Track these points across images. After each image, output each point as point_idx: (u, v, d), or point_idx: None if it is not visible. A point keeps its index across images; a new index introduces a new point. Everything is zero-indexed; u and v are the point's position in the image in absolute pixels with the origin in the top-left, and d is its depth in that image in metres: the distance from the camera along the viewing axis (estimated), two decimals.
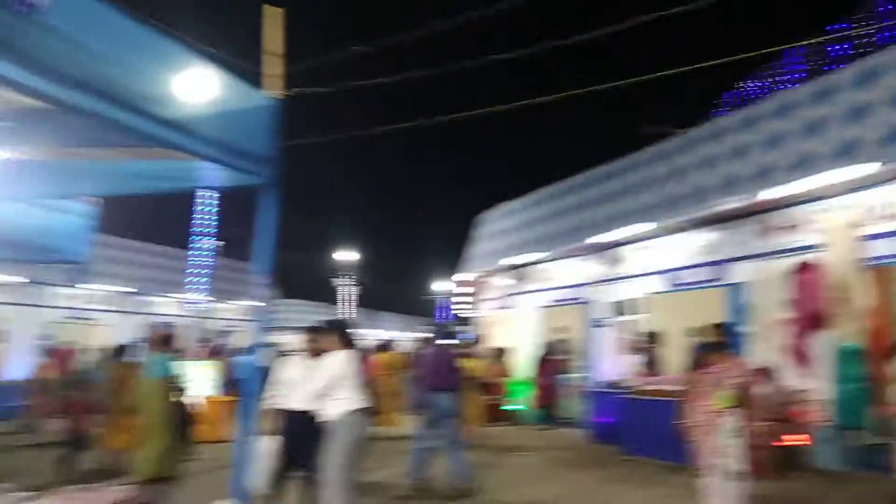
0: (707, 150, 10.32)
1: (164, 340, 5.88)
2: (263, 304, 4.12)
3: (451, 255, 18.00)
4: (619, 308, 12.24)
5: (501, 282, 16.03)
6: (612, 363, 11.74)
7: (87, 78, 2.68)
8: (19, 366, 12.15)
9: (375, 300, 44.35)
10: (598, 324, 12.58)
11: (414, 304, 45.99)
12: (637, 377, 9.91)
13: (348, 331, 5.70)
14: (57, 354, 9.52)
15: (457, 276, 17.73)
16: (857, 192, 8.31)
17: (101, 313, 18.36)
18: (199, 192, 21.68)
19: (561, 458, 9.41)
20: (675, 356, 10.70)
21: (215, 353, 15.05)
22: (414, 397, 7.62)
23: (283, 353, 6.78)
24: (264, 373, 5.12)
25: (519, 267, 15.16)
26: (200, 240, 22.22)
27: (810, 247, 8.76)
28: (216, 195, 22.78)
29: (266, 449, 5.23)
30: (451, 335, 8.33)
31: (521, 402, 13.53)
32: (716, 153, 10.12)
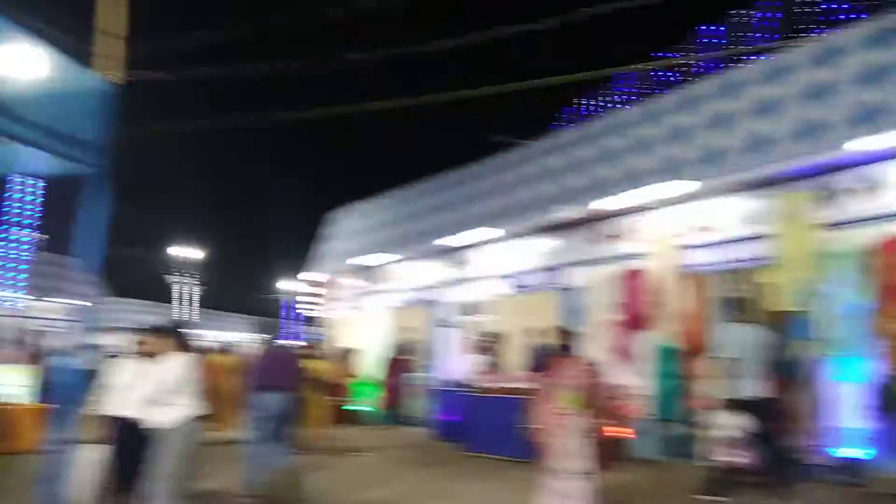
0: (547, 162, 10.94)
1: None
2: (89, 302, 3.80)
3: (299, 255, 17.59)
4: (465, 309, 12.64)
5: (351, 282, 15.95)
6: (457, 363, 12.07)
7: None
8: None
9: (219, 300, 42.25)
10: (444, 324, 12.90)
11: (260, 305, 44.40)
12: (481, 376, 10.26)
13: (184, 333, 5.41)
14: None
15: (305, 276, 17.39)
16: (678, 206, 9.17)
17: None
18: (17, 179, 19.53)
19: (404, 456, 9.52)
20: (516, 356, 11.21)
21: (34, 356, 13.62)
22: (245, 399, 7.32)
23: (113, 356, 6.28)
24: (88, 377, 4.73)
25: (369, 268, 15.17)
26: (19, 231, 20.04)
27: (636, 254, 9.56)
28: (40, 183, 20.65)
29: (88, 459, 4.83)
30: (282, 334, 8.09)
31: (367, 402, 13.52)
32: (555, 165, 10.75)
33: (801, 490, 6.92)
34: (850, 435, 7.07)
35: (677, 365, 8.65)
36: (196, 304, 39.38)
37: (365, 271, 15.33)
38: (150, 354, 5.20)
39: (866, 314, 7.06)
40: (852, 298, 7.20)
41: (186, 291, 38.99)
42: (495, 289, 12.04)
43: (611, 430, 8.30)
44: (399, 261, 14.34)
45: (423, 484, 7.74)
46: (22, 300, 19.86)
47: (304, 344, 14.94)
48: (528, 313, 11.43)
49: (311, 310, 18.17)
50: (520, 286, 11.63)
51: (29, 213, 20.55)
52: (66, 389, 3.71)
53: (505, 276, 11.90)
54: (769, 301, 7.97)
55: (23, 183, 20.28)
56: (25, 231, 20.39)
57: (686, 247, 9.00)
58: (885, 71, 6.89)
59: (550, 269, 11.04)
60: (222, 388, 10.36)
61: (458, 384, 10.73)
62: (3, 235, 19.87)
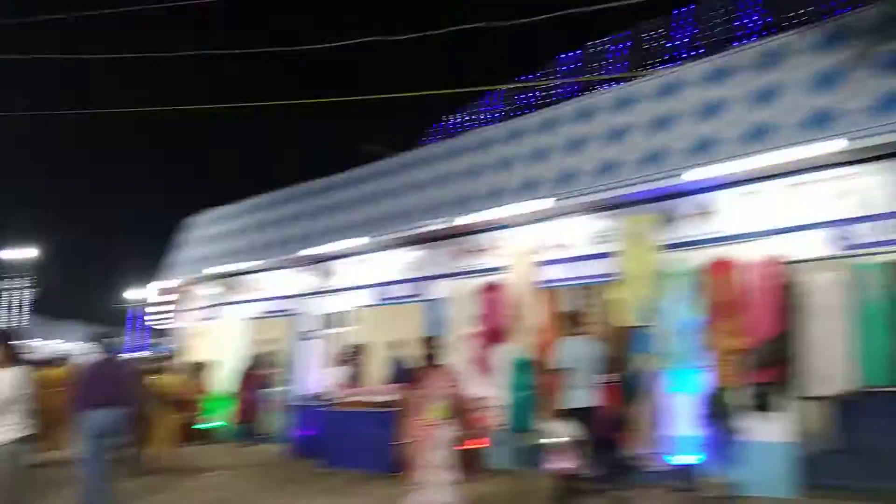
0: (415, 175, 11.01)
1: None
2: None
3: (151, 261, 16.48)
4: (328, 321, 12.39)
5: (206, 291, 15.15)
6: (317, 376, 11.78)
7: None
8: None
9: (57, 306, 38.69)
10: (305, 336, 12.57)
11: (105, 314, 41.17)
12: (341, 389, 10.08)
13: (14, 343, 4.85)
14: None
15: (155, 284, 16.30)
16: (535, 224, 9.54)
17: None
18: None
19: (257, 475, 9.14)
20: (378, 368, 11.13)
21: None
22: (73, 415, 6.67)
23: None
24: None
25: (226, 276, 14.49)
26: None
27: (496, 269, 9.83)
28: None
29: None
30: (115, 345, 7.44)
31: (220, 418, 12.86)
32: (422, 178, 10.84)
33: (639, 495, 7.38)
34: (683, 442, 7.62)
35: (531, 376, 8.95)
36: (27, 310, 35.80)
37: (223, 280, 14.63)
38: None
39: (699, 329, 7.67)
40: (687, 315, 7.80)
41: (16, 296, 35.37)
42: (359, 300, 11.91)
43: (469, 441, 8.44)
44: (260, 269, 13.82)
45: (276, 503, 7.45)
46: None
47: (151, 356, 13.97)
48: (392, 325, 11.39)
49: (162, 320, 17.05)
50: (384, 298, 11.59)
51: None
52: None
53: (369, 288, 11.80)
54: (614, 316, 8.47)
55: None
56: None
57: (541, 263, 9.37)
58: (720, 106, 7.57)
59: (415, 280, 11.10)
60: (52, 403, 9.43)
61: (318, 398, 10.48)
62: None
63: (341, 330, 12.11)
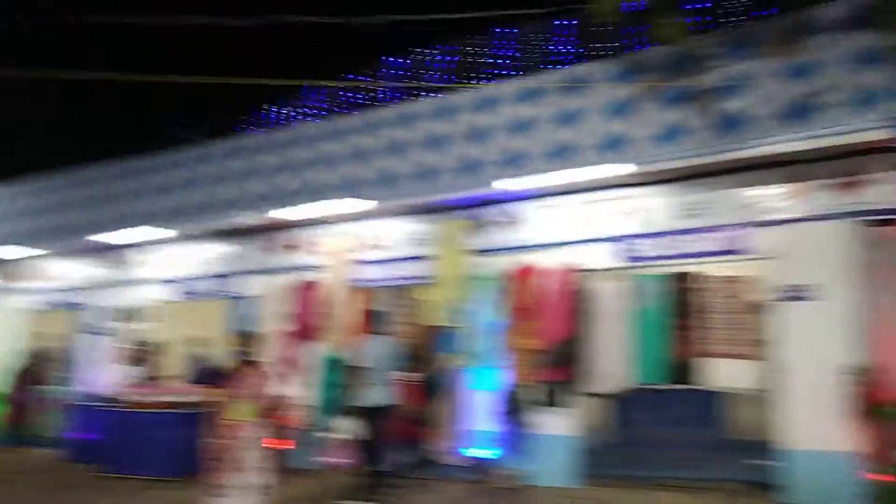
0: (228, 164, 10.51)
1: None
2: None
3: None
4: (120, 315, 11.39)
5: None
6: (105, 374, 10.77)
7: None
8: None
9: None
10: (92, 331, 11.45)
11: None
12: (131, 389, 9.30)
13: None
14: None
15: None
16: (353, 223, 9.52)
17: None
18: None
19: (29, 482, 8.14)
20: (179, 366, 10.43)
21: None
22: None
23: None
24: None
25: (3, 262, 12.78)
26: None
27: (311, 266, 9.67)
28: None
29: None
30: None
31: None
32: (237, 168, 10.38)
33: (438, 488, 7.66)
34: (481, 437, 8.03)
35: (341, 375, 8.92)
36: None
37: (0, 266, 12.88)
38: None
39: (501, 330, 8.13)
40: (491, 317, 8.23)
41: None
42: (157, 294, 11.09)
43: (274, 442, 8.19)
44: (41, 256, 12.36)
45: None
46: None
47: None
48: (194, 321, 10.76)
49: None
50: (187, 292, 10.90)
51: None
52: None
53: (170, 281, 11.04)
54: (425, 316, 8.73)
55: None
56: None
57: (358, 262, 9.39)
58: (530, 124, 8.09)
59: (222, 276, 10.57)
60: None
61: (103, 398, 9.57)
62: None
63: (136, 325, 11.19)
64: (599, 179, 7.64)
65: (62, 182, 12.37)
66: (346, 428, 7.35)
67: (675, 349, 7.72)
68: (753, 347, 7.47)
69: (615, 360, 7.76)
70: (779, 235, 6.89)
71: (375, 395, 7.12)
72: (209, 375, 10.18)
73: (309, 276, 9.63)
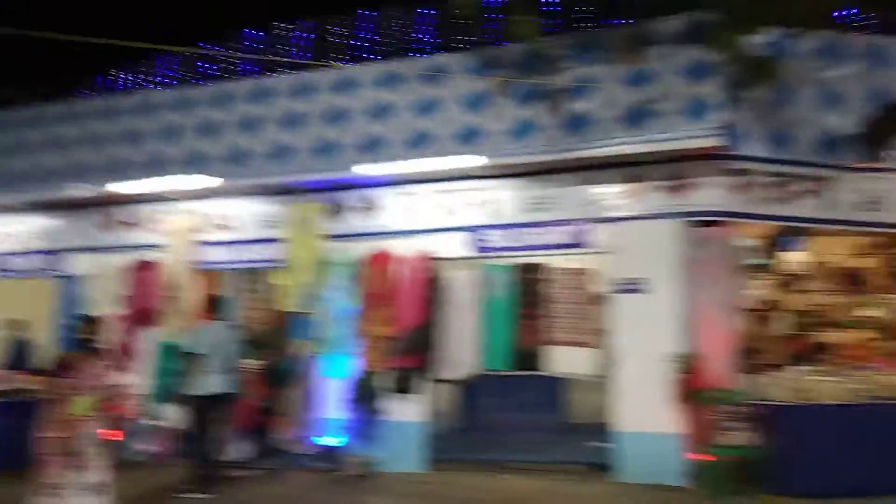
0: (60, 131, 9.57)
1: None
2: None
3: None
4: None
5: None
6: None
7: None
8: None
9: None
10: None
11: None
12: None
13: None
14: None
15: None
16: (200, 201, 8.99)
17: None
18: None
19: None
20: None
21: None
22: None
23: None
24: None
25: None
26: None
27: (150, 245, 9.04)
28: None
29: None
30: None
31: None
32: (69, 135, 9.48)
33: (285, 478, 7.49)
34: (331, 425, 7.93)
35: (177, 363, 8.44)
36: None
37: None
38: None
39: (353, 317, 8.04)
40: (344, 303, 8.12)
41: None
42: None
43: (109, 433, 7.60)
44: None
45: None
46: None
47: None
48: (13, 302, 9.74)
49: None
50: (4, 270, 9.83)
51: None
52: None
53: None
54: (276, 301, 8.44)
55: None
56: None
57: (203, 243, 8.89)
58: (389, 110, 8.02)
59: (49, 252, 9.62)
60: None
61: None
62: None
63: None
64: (454, 170, 7.72)
65: None
66: (173, 417, 6.98)
67: (522, 337, 8.00)
68: (594, 336, 7.91)
69: (464, 347, 7.92)
70: (616, 232, 7.33)
71: (212, 383, 6.83)
72: (27, 360, 9.29)
73: (148, 255, 9.00)
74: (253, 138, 8.55)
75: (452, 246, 7.94)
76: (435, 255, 7.95)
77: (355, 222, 8.39)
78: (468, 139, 7.56)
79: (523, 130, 7.38)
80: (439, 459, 7.71)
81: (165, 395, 8.11)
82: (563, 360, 8.25)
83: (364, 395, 7.60)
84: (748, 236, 7.77)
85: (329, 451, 7.87)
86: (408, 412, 7.73)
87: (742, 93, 6.66)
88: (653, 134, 6.75)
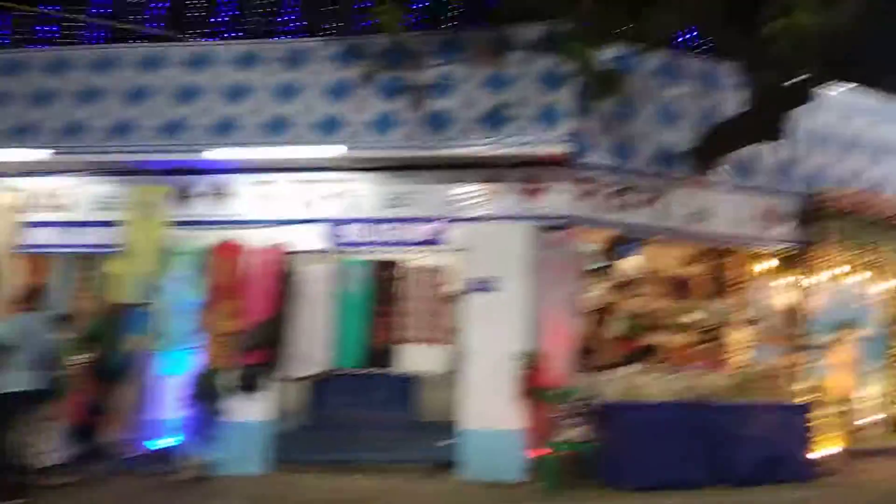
0: None
1: None
2: None
3: None
4: None
5: None
6: None
7: None
8: None
9: None
10: None
11: None
12: None
13: None
14: None
15: None
16: (25, 177, 8.12)
17: None
18: None
19: None
20: None
21: None
22: None
23: None
24: None
25: None
26: None
27: None
28: None
29: None
30: None
31: None
32: None
33: (115, 482, 6.92)
34: (167, 425, 7.43)
35: None
36: None
37: None
38: None
39: (197, 310, 7.58)
40: (187, 295, 7.64)
41: None
42: None
43: None
44: None
45: None
46: None
47: None
48: None
49: None
50: None
51: None
52: None
53: None
54: (111, 291, 7.80)
55: None
56: None
57: (29, 224, 8.06)
58: (246, 92, 7.65)
59: None
60: None
61: None
62: None
63: None
64: (312, 160, 7.51)
65: None
66: None
67: (375, 334, 7.91)
68: (446, 334, 7.97)
69: (316, 344, 7.71)
70: (470, 231, 7.44)
71: (20, 379, 6.15)
72: None
73: None
74: (91, 110, 7.86)
75: (308, 239, 7.71)
76: (289, 248, 7.68)
77: (203, 209, 7.92)
78: (328, 128, 7.38)
79: (385, 124, 7.31)
80: (284, 460, 7.45)
81: None
82: (416, 358, 8.26)
83: (204, 393, 7.21)
84: (591, 241, 8.17)
85: (163, 452, 7.38)
86: (252, 411, 7.41)
87: (590, 103, 6.99)
88: (508, 137, 6.92)
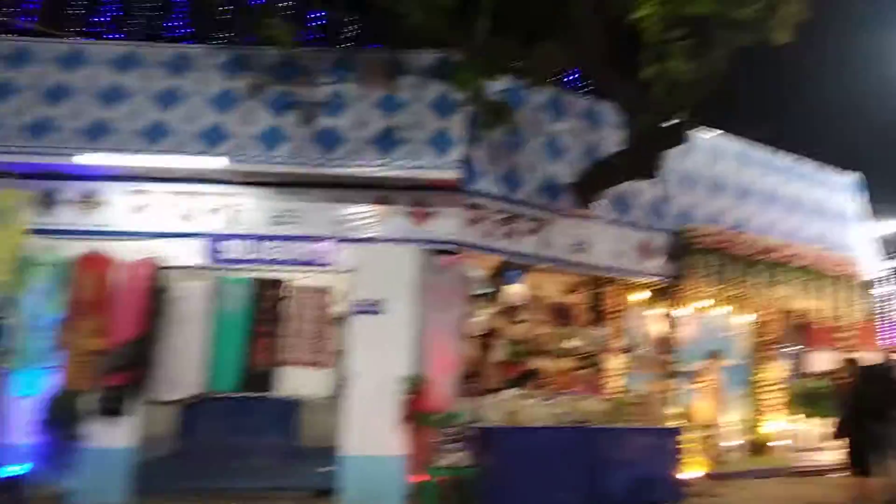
0: None
1: None
2: None
3: None
4: None
5: None
6: None
7: None
8: None
9: None
10: None
11: None
12: None
13: None
14: None
15: None
16: None
17: None
18: None
19: None
20: None
21: None
22: None
23: None
24: None
25: None
26: None
27: None
28: None
29: None
30: None
31: None
32: None
33: None
34: (19, 451, 6.76)
35: None
36: None
37: None
38: None
39: (55, 326, 6.99)
40: (45, 309, 7.04)
41: None
42: None
43: None
44: None
45: None
46: None
47: None
48: None
49: None
50: None
51: None
52: None
53: None
54: None
55: None
56: None
57: None
58: (123, 95, 7.21)
59: None
60: None
61: None
62: None
63: None
64: (192, 170, 7.18)
65: None
66: None
67: (254, 356, 7.58)
68: (329, 357, 7.77)
69: (188, 365, 7.28)
70: (358, 252, 7.33)
71: None
72: None
73: None
74: None
75: (184, 254, 7.32)
76: (163, 262, 7.25)
77: (70, 217, 7.36)
78: (211, 139, 7.08)
79: (272, 138, 7.11)
80: (147, 489, 6.94)
81: None
82: (298, 382, 7.98)
83: (60, 417, 6.67)
84: (478, 267, 8.27)
85: (12, 481, 6.70)
86: (113, 437, 6.90)
87: (480, 132, 7.12)
88: (398, 160, 6.91)
